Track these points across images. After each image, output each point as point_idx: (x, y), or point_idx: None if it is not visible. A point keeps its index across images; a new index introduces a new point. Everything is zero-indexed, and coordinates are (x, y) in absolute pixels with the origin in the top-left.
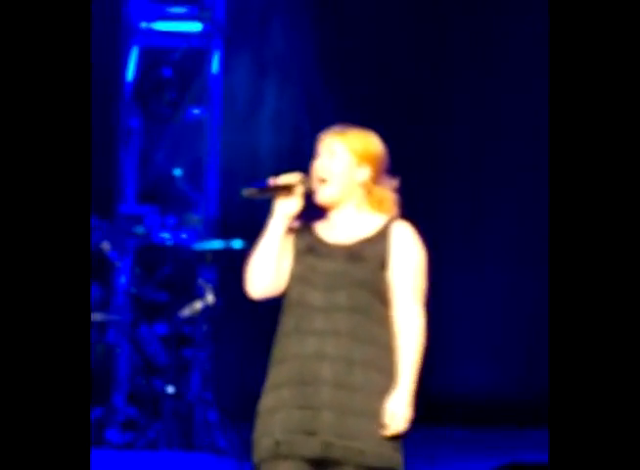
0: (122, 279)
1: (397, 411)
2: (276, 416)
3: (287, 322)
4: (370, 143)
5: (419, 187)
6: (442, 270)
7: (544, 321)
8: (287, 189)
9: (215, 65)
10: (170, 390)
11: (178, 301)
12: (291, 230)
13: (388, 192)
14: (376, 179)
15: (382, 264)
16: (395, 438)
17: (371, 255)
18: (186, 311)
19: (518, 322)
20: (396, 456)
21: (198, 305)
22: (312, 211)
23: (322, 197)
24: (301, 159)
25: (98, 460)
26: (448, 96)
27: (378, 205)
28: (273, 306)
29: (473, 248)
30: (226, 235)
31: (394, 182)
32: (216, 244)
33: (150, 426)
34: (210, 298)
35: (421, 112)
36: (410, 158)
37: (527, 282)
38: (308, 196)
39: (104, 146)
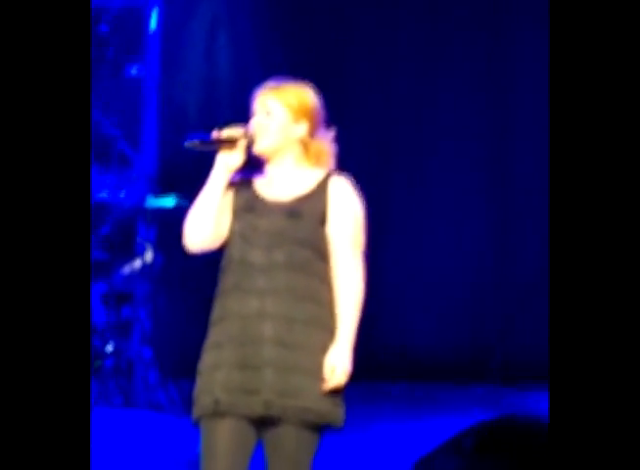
0: None
1: (337, 365)
2: (216, 374)
3: (227, 280)
4: (306, 98)
5: (368, 134)
6: (389, 222)
7: (488, 274)
8: (230, 142)
9: (153, 22)
10: (110, 348)
11: (117, 259)
12: (230, 186)
13: (325, 145)
14: (313, 133)
15: (321, 220)
16: (337, 393)
17: (309, 211)
18: (125, 270)
19: (463, 275)
20: (338, 412)
21: (137, 264)
22: (251, 168)
23: (257, 149)
24: (241, 115)
25: None
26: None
27: (316, 159)
28: (212, 264)
29: (418, 199)
30: (164, 193)
31: (332, 133)
32: (153, 202)
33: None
34: (149, 256)
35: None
36: (360, 109)
37: (473, 233)
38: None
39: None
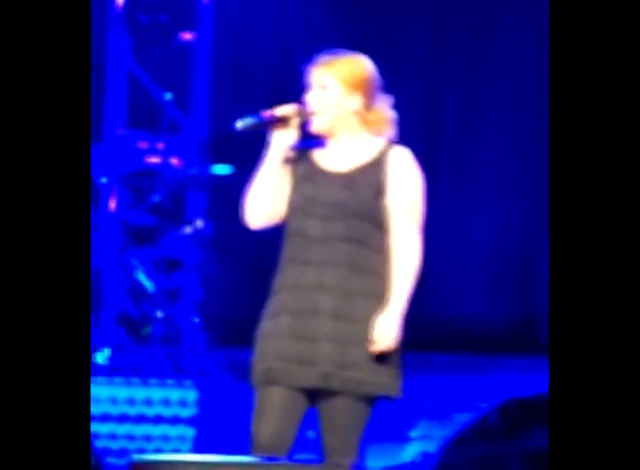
0: (111, 204)
1: (385, 329)
2: (271, 344)
3: (286, 252)
4: (359, 69)
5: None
6: (436, 193)
7: (534, 243)
8: (282, 121)
9: None
10: (159, 314)
11: (167, 226)
12: (289, 159)
13: (383, 113)
14: (368, 104)
15: (379, 191)
16: (394, 364)
17: (368, 182)
18: (175, 236)
19: (509, 245)
20: (395, 384)
21: (187, 230)
22: (311, 140)
23: (315, 128)
24: (295, 85)
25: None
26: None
27: (374, 128)
28: (262, 233)
29: (466, 169)
30: (215, 160)
31: (389, 100)
32: (205, 169)
33: (138, 350)
34: (200, 223)
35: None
36: (408, 83)
37: (520, 203)
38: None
39: (93, 68)
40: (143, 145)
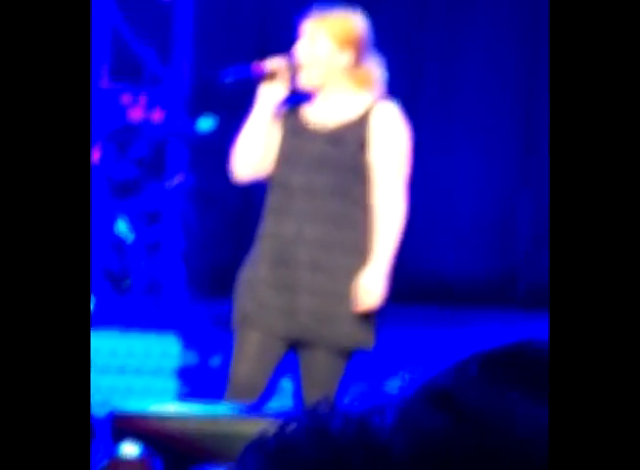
0: (95, 157)
1: (370, 288)
2: (250, 290)
3: (269, 202)
4: (351, 25)
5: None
6: (418, 146)
7: (515, 198)
8: (271, 75)
9: None
10: (140, 267)
11: (148, 178)
12: (279, 113)
13: (372, 70)
14: (358, 61)
15: (362, 147)
16: (370, 317)
17: (352, 137)
18: (156, 189)
19: (490, 200)
20: (371, 337)
21: (168, 183)
22: (300, 94)
23: (304, 82)
24: (283, 36)
25: None
26: None
27: (362, 84)
28: (244, 186)
29: (446, 124)
30: (199, 112)
31: (379, 58)
32: (188, 123)
33: (119, 303)
34: (181, 175)
35: None
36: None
37: (501, 158)
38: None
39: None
40: (126, 98)
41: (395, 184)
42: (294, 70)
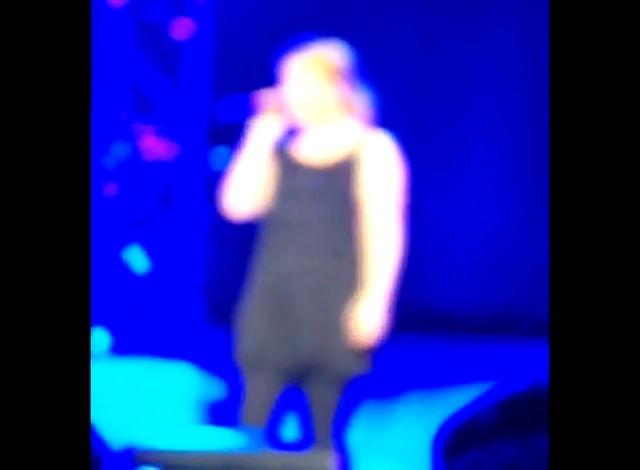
0: (112, 190)
1: (365, 318)
2: (250, 329)
3: (263, 237)
4: (336, 58)
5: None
6: (424, 182)
7: (523, 237)
8: (265, 109)
9: None
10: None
11: (165, 209)
12: (271, 150)
13: (363, 100)
14: (348, 91)
15: (356, 181)
16: (369, 348)
17: (346, 172)
18: (174, 219)
19: (497, 237)
20: (368, 364)
21: (184, 214)
22: (293, 130)
23: (295, 118)
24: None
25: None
26: None
27: (353, 115)
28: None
29: (454, 158)
30: (213, 145)
31: (368, 87)
32: (203, 156)
33: (136, 331)
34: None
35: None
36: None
37: (507, 194)
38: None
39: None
40: (140, 130)
41: (390, 218)
42: (285, 108)
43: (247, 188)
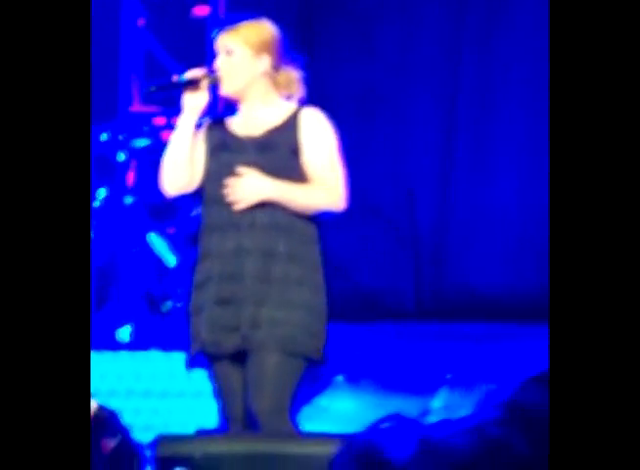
0: (130, 180)
1: (254, 182)
2: (201, 316)
3: (205, 219)
4: (264, 32)
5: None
6: (455, 160)
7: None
8: (192, 84)
9: None
10: (180, 290)
11: (187, 201)
12: (203, 127)
13: (292, 73)
14: (277, 65)
15: (294, 151)
16: (314, 327)
17: (282, 142)
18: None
19: (527, 213)
20: (314, 344)
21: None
22: (223, 108)
23: (225, 91)
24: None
25: (107, 362)
26: None
27: (284, 89)
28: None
29: (484, 139)
30: None
31: (298, 61)
32: None
33: (159, 326)
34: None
35: None
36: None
37: (540, 178)
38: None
39: (108, 43)
40: (160, 121)
41: (333, 181)
42: (213, 79)
43: (180, 165)
